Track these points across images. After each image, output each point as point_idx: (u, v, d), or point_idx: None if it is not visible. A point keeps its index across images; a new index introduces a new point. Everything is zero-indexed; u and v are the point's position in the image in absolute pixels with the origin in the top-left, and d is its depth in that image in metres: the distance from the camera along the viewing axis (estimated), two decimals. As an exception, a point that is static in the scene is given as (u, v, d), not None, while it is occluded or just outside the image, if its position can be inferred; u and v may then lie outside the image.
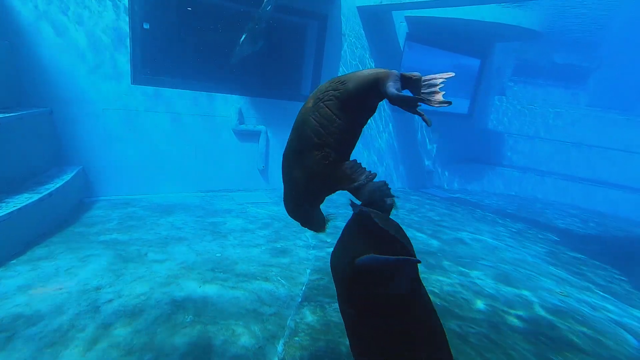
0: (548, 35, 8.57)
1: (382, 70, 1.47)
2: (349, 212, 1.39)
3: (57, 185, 3.56)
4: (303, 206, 1.65)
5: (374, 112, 1.55)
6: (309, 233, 4.21)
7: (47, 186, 3.50)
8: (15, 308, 2.26)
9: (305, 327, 2.39)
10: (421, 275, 3.33)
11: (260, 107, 5.68)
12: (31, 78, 4.01)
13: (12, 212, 2.84)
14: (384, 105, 7.01)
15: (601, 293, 3.79)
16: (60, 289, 2.52)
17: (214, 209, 4.74)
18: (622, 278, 4.34)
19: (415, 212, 5.92)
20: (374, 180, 1.44)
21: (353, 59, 6.37)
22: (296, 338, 2.26)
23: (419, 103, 1.39)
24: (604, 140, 8.97)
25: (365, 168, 1.50)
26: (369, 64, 6.58)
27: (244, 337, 2.22)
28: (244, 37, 5.00)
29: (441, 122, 8.18)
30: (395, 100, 1.38)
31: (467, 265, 3.87)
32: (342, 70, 6.29)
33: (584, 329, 2.89)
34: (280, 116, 5.84)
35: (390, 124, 7.28)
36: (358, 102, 1.46)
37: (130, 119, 4.72)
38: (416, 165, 8.05)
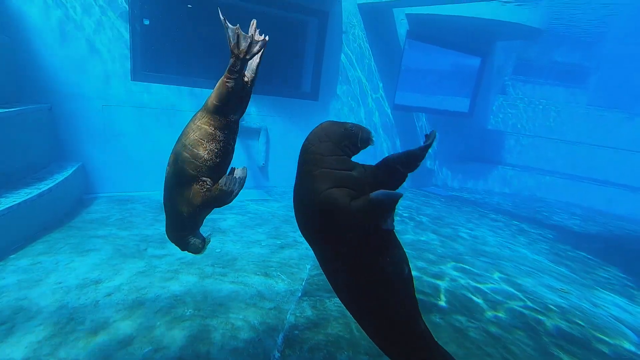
0: (549, 34, 8.55)
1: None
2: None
3: (57, 181, 3.56)
4: (186, 233, 1.77)
5: (235, 132, 1.67)
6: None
7: (46, 182, 3.50)
8: (16, 301, 2.26)
9: (305, 320, 2.38)
10: (421, 268, 3.26)
11: (261, 104, 5.68)
12: (31, 74, 4.01)
13: (11, 207, 2.84)
14: (385, 104, 7.00)
15: (602, 290, 3.79)
16: (60, 283, 2.52)
17: (214, 205, 4.74)
18: (623, 275, 4.34)
19: (416, 210, 5.92)
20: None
21: (353, 57, 6.37)
22: (296, 331, 2.25)
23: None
24: (603, 139, 8.95)
25: (235, 177, 1.65)
26: (369, 61, 6.57)
27: (244, 330, 2.22)
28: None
29: (442, 121, 8.17)
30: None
31: (467, 262, 3.86)
32: (342, 68, 6.28)
33: (584, 325, 2.88)
34: (281, 113, 5.83)
35: (393, 124, 7.27)
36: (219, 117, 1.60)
37: (129, 115, 4.71)
38: (416, 164, 8.03)
